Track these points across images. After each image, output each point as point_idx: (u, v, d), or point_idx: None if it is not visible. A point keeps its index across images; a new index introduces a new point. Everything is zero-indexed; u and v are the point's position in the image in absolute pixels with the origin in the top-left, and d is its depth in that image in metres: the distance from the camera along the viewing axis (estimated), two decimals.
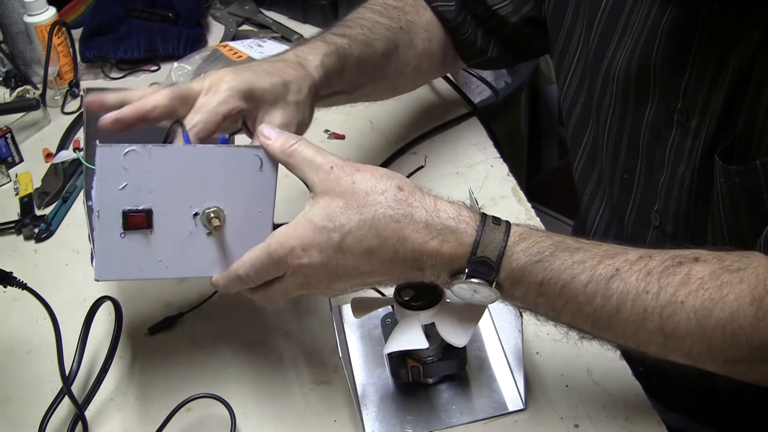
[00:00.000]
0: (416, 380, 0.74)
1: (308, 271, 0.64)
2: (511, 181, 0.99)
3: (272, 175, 0.67)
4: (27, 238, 0.99)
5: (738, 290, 0.59)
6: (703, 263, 0.61)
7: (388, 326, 0.77)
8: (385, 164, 1.02)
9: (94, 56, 1.28)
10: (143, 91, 0.71)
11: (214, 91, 0.71)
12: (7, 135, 1.10)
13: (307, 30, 1.32)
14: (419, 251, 0.62)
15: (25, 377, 0.82)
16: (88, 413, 0.75)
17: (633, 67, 0.78)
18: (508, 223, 0.64)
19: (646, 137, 0.79)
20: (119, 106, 0.69)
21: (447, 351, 0.74)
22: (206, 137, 0.69)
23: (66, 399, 0.73)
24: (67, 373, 0.72)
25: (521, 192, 0.97)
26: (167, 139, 0.70)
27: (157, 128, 0.70)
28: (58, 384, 0.73)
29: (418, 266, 0.64)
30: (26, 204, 1.04)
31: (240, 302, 0.86)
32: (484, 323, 0.80)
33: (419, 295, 0.71)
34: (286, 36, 1.32)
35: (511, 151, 1.75)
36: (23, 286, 0.72)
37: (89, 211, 0.74)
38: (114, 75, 1.28)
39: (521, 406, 0.73)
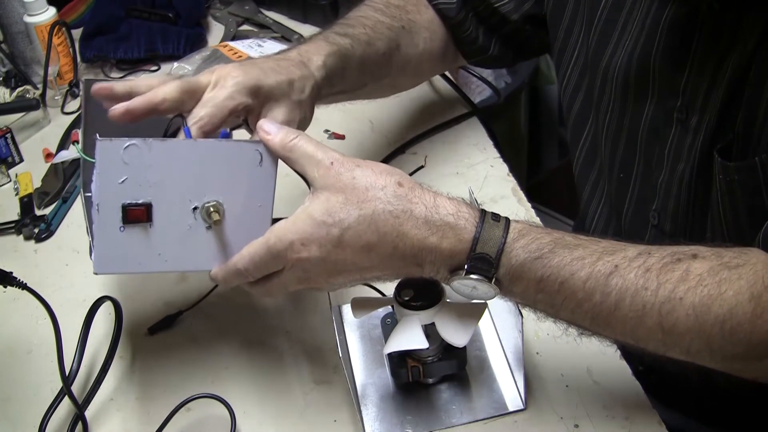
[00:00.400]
0: (416, 380, 0.74)
1: (307, 265, 0.64)
2: (511, 181, 0.99)
3: (272, 169, 0.67)
4: (27, 238, 0.99)
5: (736, 287, 0.59)
6: (702, 260, 0.61)
7: (388, 326, 0.77)
8: (384, 163, 1.02)
9: (94, 56, 1.28)
10: (150, 81, 0.71)
11: (221, 86, 0.71)
12: (7, 135, 1.10)
13: (307, 30, 1.32)
14: (418, 247, 0.63)
15: (25, 377, 0.82)
16: (88, 413, 0.75)
17: (633, 65, 0.78)
18: (507, 220, 0.64)
19: (644, 135, 0.79)
20: (127, 95, 0.70)
21: (447, 351, 0.74)
22: (211, 131, 0.70)
23: (66, 399, 0.73)
24: (67, 373, 0.72)
25: (521, 192, 0.97)
26: (167, 132, 0.70)
27: (154, 121, 0.71)
28: (58, 384, 0.73)
29: (417, 262, 0.64)
30: (26, 204, 1.04)
31: (240, 302, 0.86)
32: (484, 323, 0.80)
33: (419, 295, 0.71)
34: (286, 36, 1.32)
35: (511, 151, 1.75)
36: (23, 286, 0.72)
37: (87, 202, 0.74)
38: (114, 75, 1.28)
39: (521, 406, 0.73)
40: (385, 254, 0.63)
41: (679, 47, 0.72)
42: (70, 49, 1.25)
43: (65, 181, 1.06)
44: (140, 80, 0.72)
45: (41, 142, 1.15)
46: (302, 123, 0.76)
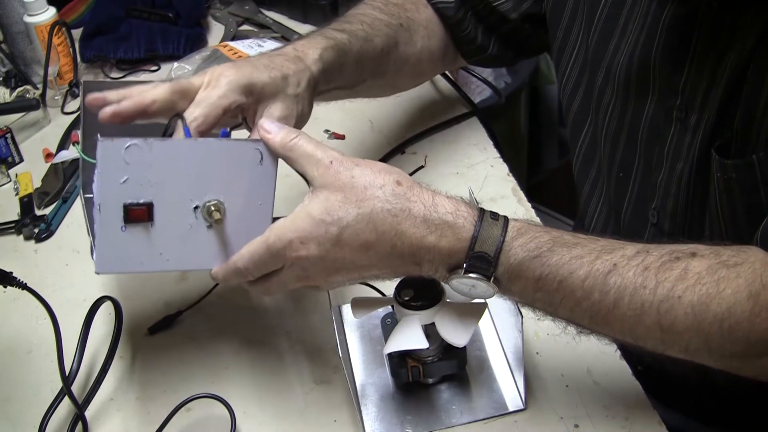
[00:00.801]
0: (416, 380, 0.74)
1: (306, 264, 0.64)
2: (511, 181, 0.99)
3: (272, 168, 0.67)
4: (27, 238, 0.99)
5: (735, 285, 0.59)
6: (700, 258, 0.61)
7: (388, 326, 0.77)
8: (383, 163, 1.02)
9: (94, 56, 1.28)
10: (143, 87, 0.71)
11: (213, 85, 0.71)
12: (7, 135, 1.10)
13: (307, 30, 1.31)
14: (417, 246, 0.63)
15: (25, 377, 0.82)
16: (88, 413, 0.75)
17: (634, 63, 0.78)
18: (506, 219, 0.64)
19: (644, 134, 0.79)
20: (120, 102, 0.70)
21: (447, 351, 0.74)
22: (206, 131, 0.70)
23: (66, 399, 0.73)
24: (67, 373, 0.72)
25: (521, 192, 0.97)
26: (166, 132, 0.70)
27: (157, 123, 0.71)
28: (58, 384, 0.73)
29: (415, 261, 0.64)
30: (26, 204, 1.04)
31: (240, 302, 0.86)
32: (484, 323, 0.80)
33: (419, 295, 0.71)
34: (286, 36, 1.32)
35: (511, 151, 1.75)
36: (23, 286, 0.73)
37: (87, 203, 0.74)
38: (114, 75, 1.28)
39: (521, 406, 0.73)
40: (383, 253, 0.63)
41: (679, 46, 0.72)
42: (70, 49, 1.25)
43: (65, 181, 1.06)
44: (134, 88, 0.72)
45: (41, 142, 1.15)
46: (300, 117, 0.76)
